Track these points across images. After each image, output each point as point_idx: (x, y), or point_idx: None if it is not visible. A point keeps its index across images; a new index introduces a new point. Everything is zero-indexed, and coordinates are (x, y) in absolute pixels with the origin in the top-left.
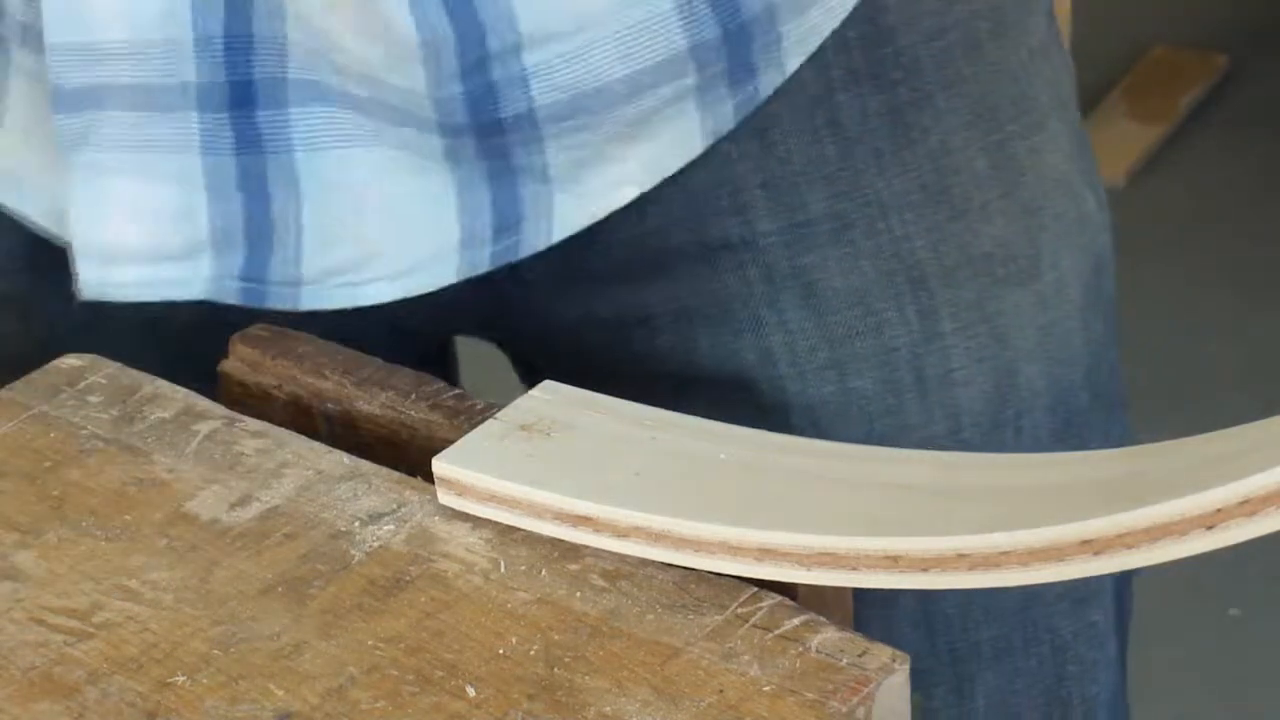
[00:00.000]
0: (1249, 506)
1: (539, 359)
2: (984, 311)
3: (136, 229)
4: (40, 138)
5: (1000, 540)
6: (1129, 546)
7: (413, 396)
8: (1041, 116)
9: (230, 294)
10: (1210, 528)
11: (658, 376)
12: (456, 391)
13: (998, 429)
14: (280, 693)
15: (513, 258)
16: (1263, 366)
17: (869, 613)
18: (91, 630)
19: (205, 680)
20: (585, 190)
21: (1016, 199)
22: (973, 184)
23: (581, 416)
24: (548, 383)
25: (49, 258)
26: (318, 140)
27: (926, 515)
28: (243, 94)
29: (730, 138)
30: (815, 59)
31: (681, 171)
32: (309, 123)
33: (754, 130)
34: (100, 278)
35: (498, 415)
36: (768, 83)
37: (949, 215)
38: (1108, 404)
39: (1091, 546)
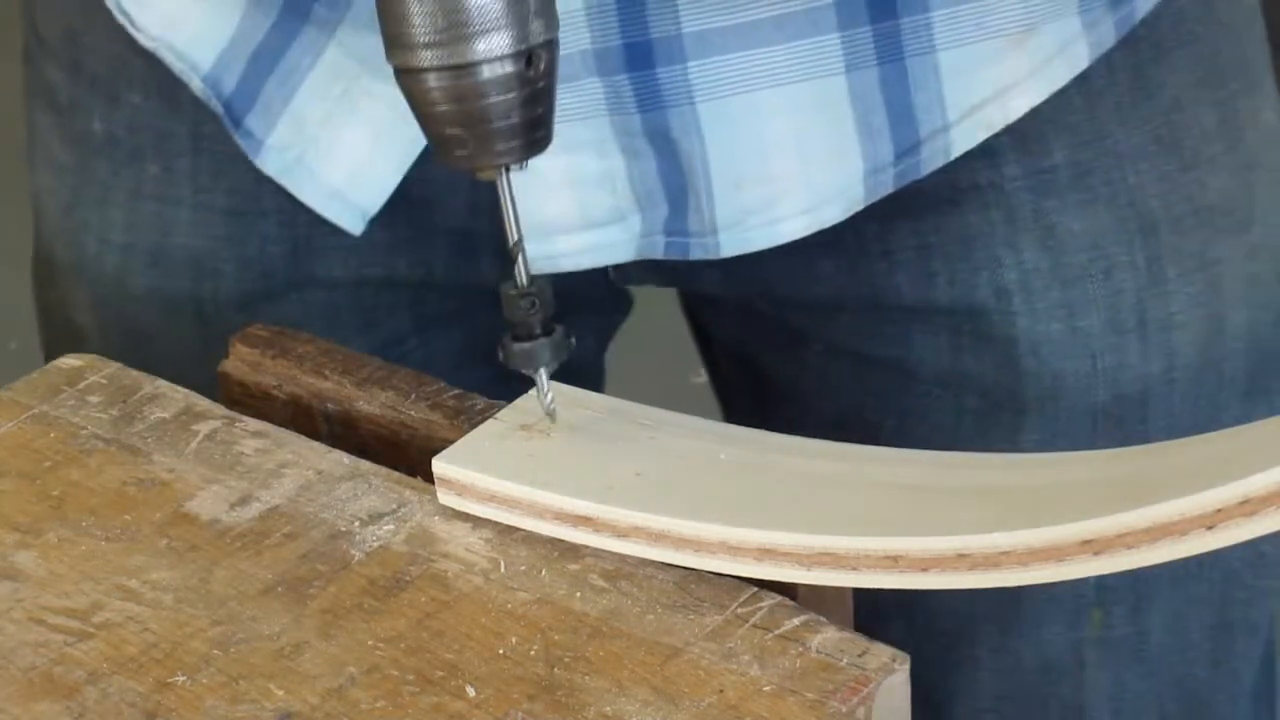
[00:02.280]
0: (1249, 506)
1: (767, 305)
2: (1203, 260)
3: (566, 199)
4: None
5: (1000, 540)
6: (1129, 546)
7: (413, 396)
8: (1259, 75)
9: (658, 249)
10: (1210, 528)
11: (892, 307)
12: (456, 391)
13: (1204, 370)
14: (280, 693)
15: (915, 176)
16: None
17: None
18: (91, 630)
19: (205, 680)
20: (974, 98)
21: (1238, 154)
22: (1201, 138)
23: (581, 416)
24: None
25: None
26: (717, 90)
27: (926, 515)
28: (639, 54)
29: None
30: None
31: None
32: (707, 73)
33: None
34: (544, 250)
35: (498, 415)
36: (1144, 5)
37: (1179, 167)
38: None
39: (1091, 546)
